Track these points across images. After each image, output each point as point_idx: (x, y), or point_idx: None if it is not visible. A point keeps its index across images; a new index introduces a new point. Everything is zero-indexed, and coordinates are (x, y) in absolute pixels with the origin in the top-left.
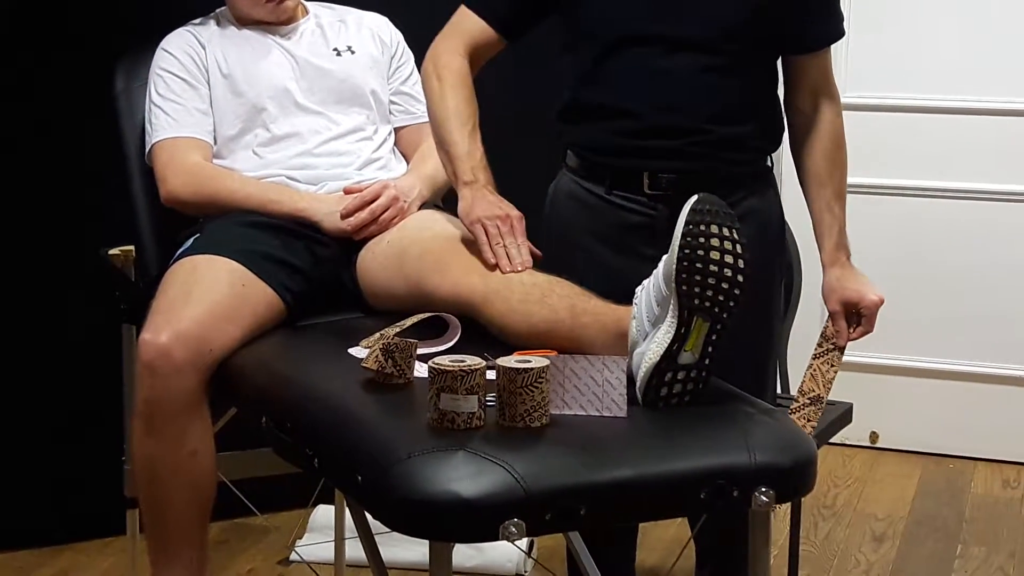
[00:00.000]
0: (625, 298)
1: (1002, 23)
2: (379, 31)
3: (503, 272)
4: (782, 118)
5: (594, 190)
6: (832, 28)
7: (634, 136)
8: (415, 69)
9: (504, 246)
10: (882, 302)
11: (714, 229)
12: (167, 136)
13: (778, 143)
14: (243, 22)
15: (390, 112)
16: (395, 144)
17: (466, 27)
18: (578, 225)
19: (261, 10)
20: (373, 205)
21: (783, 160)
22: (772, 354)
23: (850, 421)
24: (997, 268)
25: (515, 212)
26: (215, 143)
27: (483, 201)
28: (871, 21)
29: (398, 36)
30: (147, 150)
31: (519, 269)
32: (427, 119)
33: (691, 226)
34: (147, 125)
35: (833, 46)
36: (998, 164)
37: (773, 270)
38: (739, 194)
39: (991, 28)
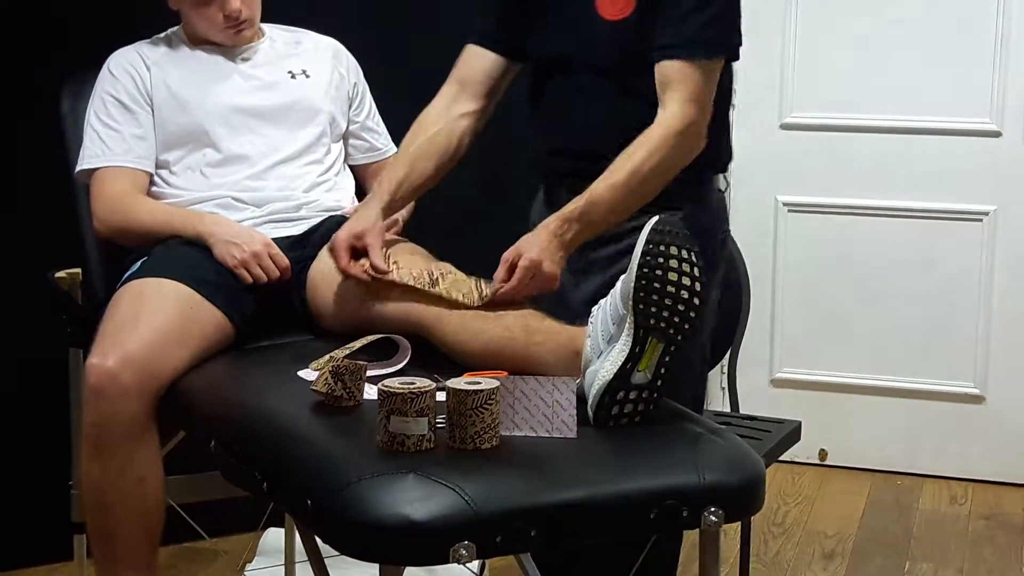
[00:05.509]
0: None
1: (933, 45)
2: (336, 58)
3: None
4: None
5: (539, 205)
6: (679, 43)
7: (547, 154)
8: (372, 100)
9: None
10: (532, 262)
11: (673, 251)
12: (97, 165)
13: (707, 163)
14: (196, 42)
15: (356, 148)
16: (362, 177)
17: (461, 62)
18: None
19: (220, 35)
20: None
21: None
22: (696, 371)
23: (799, 439)
24: (944, 286)
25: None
26: (165, 164)
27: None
28: (807, 43)
29: (355, 66)
30: (77, 168)
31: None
32: (389, 153)
33: (651, 245)
34: (84, 142)
35: (770, 68)
36: (940, 183)
37: None
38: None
39: (921, 50)
